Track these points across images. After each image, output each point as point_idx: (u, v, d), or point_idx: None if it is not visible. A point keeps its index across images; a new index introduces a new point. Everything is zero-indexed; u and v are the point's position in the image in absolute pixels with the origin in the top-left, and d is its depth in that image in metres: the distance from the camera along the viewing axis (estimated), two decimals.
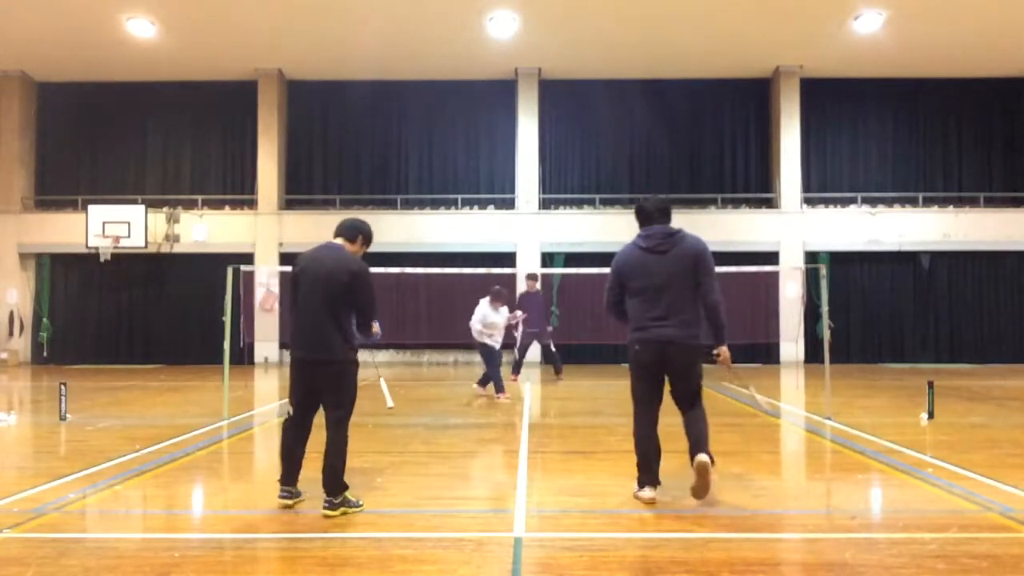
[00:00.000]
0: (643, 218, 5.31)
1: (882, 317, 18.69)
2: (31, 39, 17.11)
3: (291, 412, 5.03)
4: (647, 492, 5.11)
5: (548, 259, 18.41)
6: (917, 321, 18.68)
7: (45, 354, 18.72)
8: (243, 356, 17.65)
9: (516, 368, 13.71)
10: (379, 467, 6.30)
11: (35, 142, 19.58)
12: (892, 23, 16.32)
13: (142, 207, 18.26)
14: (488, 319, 10.91)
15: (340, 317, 4.85)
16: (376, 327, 5.20)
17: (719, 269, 12.11)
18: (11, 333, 18.80)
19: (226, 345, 9.30)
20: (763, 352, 18.14)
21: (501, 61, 18.30)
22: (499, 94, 19.27)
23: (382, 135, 19.54)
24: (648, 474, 5.16)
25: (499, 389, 10.77)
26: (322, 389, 4.92)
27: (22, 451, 7.55)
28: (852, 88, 19.09)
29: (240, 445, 7.75)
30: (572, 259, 18.03)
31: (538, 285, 14.17)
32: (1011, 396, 11.60)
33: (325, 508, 4.74)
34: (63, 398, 8.88)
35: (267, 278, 18.45)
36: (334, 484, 4.79)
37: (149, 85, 19.31)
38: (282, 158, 19.33)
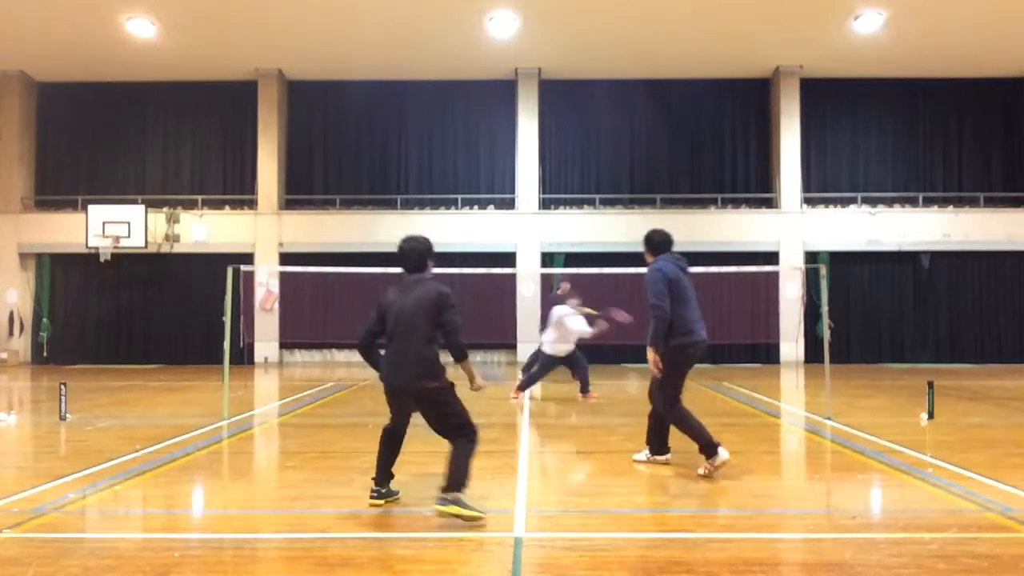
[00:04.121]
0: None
1: (882, 317, 18.69)
2: (31, 39, 17.11)
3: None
4: (723, 453, 5.76)
5: (548, 259, 18.40)
6: (917, 321, 18.68)
7: (45, 354, 18.72)
8: (243, 356, 17.67)
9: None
10: None
11: (35, 142, 19.58)
12: (892, 23, 16.32)
13: (142, 207, 18.26)
14: (567, 323, 10.44)
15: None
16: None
17: (719, 269, 12.10)
18: (11, 333, 18.80)
19: (226, 345, 9.30)
20: (763, 352, 18.15)
21: (501, 61, 18.30)
22: (499, 94, 19.27)
23: (382, 135, 19.54)
24: (714, 442, 5.79)
25: (522, 387, 10.73)
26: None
27: (22, 451, 7.55)
28: (852, 88, 19.09)
29: (240, 445, 7.75)
30: (572, 259, 18.03)
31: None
32: (1011, 396, 11.59)
33: (437, 504, 4.63)
34: (63, 398, 8.88)
35: (267, 278, 18.46)
36: (451, 480, 4.65)
37: (149, 85, 19.31)
38: (282, 158, 19.33)
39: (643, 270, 12.44)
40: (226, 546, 4.32)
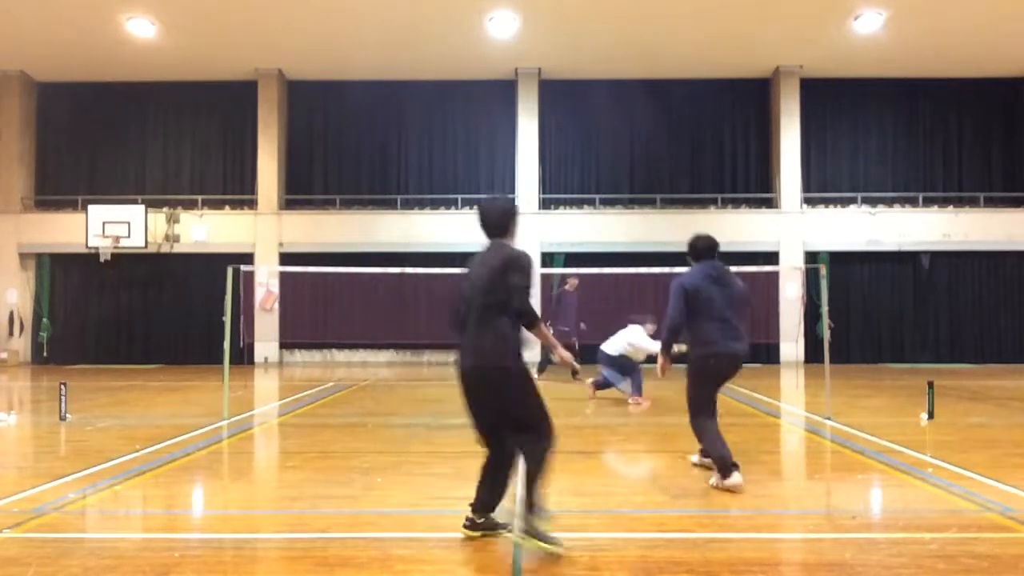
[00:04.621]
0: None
1: (882, 317, 18.69)
2: (31, 39, 17.11)
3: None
4: (736, 477, 5.52)
5: (548, 259, 18.40)
6: (917, 321, 18.68)
7: (45, 354, 18.71)
8: (243, 356, 17.67)
9: (541, 367, 13.64)
10: (379, 467, 6.29)
11: (35, 142, 19.58)
12: (892, 23, 16.32)
13: (142, 207, 18.26)
14: (640, 344, 10.45)
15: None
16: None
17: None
18: (11, 333, 18.81)
19: (226, 345, 9.30)
20: (763, 352, 18.15)
21: (501, 61, 18.30)
22: (499, 94, 19.27)
23: (382, 135, 19.54)
24: (730, 463, 5.57)
25: (600, 387, 10.76)
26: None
27: (22, 451, 7.55)
28: (852, 88, 19.09)
29: (240, 445, 7.75)
30: (572, 259, 18.03)
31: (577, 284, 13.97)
32: (1011, 396, 11.59)
33: (510, 531, 4.20)
34: (63, 398, 8.88)
35: (267, 278, 18.47)
36: (525, 505, 4.10)
37: (149, 85, 19.31)
38: (282, 158, 19.33)
39: (643, 270, 12.50)
40: (226, 546, 4.32)
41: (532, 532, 4.00)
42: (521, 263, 4.16)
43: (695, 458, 6.36)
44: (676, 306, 5.84)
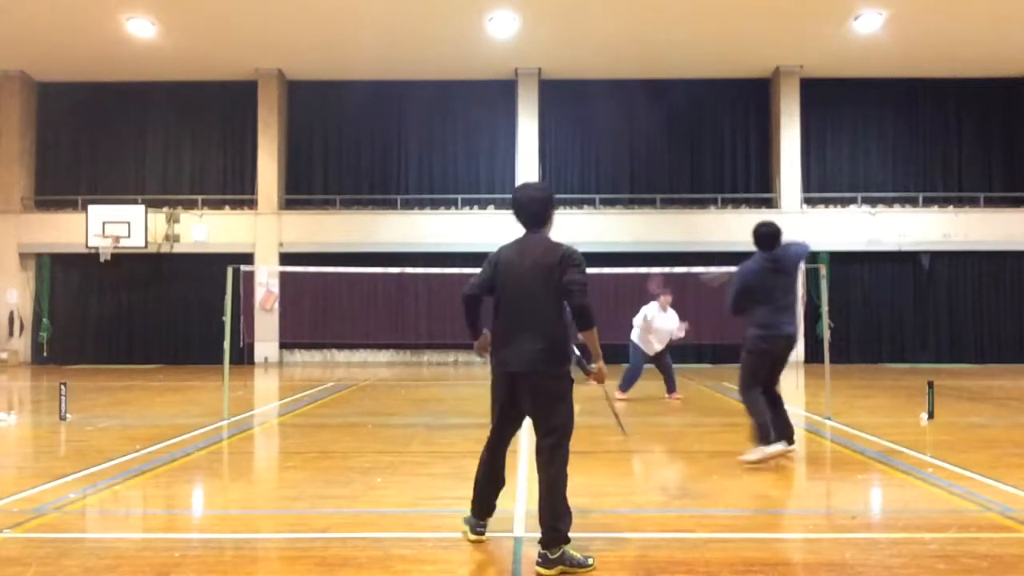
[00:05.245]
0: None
1: (882, 317, 18.69)
2: (31, 39, 17.12)
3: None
4: (777, 445, 6.14)
5: None
6: (917, 321, 18.68)
7: (45, 354, 18.72)
8: (243, 356, 17.67)
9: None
10: (379, 467, 6.29)
11: (35, 142, 19.59)
12: (892, 23, 16.32)
13: (142, 207, 18.27)
14: (656, 323, 10.46)
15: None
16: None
17: (719, 269, 12.08)
18: (11, 333, 18.81)
19: (226, 345, 9.30)
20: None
21: (501, 61, 18.30)
22: (499, 94, 19.27)
23: (382, 135, 19.54)
24: (767, 435, 6.18)
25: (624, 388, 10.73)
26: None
27: (22, 451, 7.54)
28: (852, 88, 19.10)
29: (240, 445, 7.74)
30: None
31: None
32: (1011, 396, 11.59)
33: (538, 564, 3.76)
34: (63, 398, 8.87)
35: (267, 278, 18.46)
36: (549, 533, 3.79)
37: (149, 85, 19.32)
38: (282, 158, 19.33)
39: (643, 270, 12.51)
40: (226, 546, 4.32)
41: (564, 559, 3.74)
42: (578, 259, 3.94)
43: (753, 456, 6.45)
44: (733, 295, 6.32)
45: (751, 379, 6.39)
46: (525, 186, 4.26)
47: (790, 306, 6.34)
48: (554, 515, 3.80)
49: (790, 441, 6.34)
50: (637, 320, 10.75)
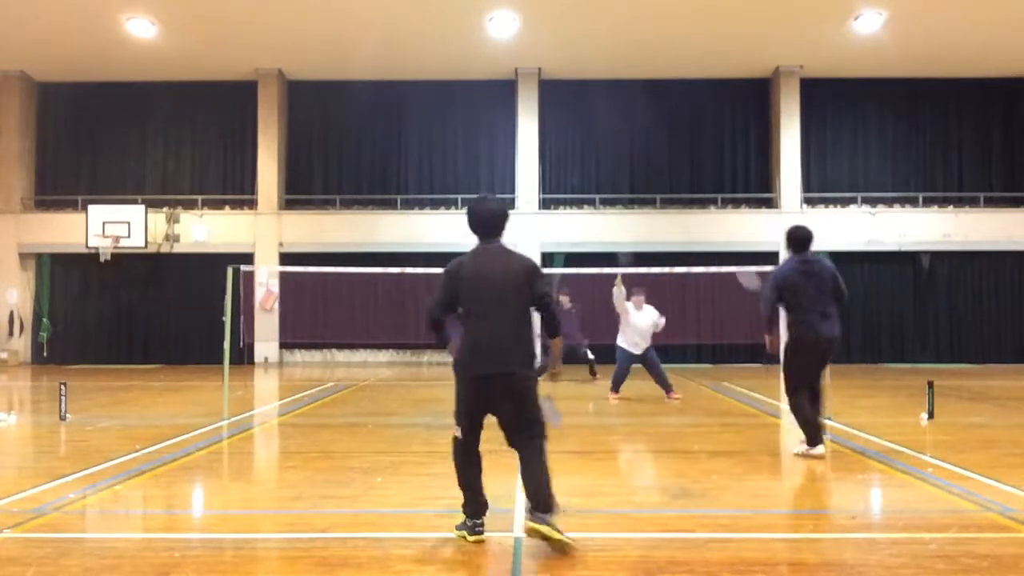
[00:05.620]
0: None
1: (882, 317, 18.68)
2: (31, 39, 17.12)
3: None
4: (821, 448, 6.48)
5: (548, 259, 18.40)
6: (917, 321, 18.68)
7: (45, 354, 18.72)
8: (243, 356, 17.68)
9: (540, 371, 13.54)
10: (379, 467, 6.29)
11: (35, 142, 19.59)
12: (892, 23, 16.32)
13: (142, 207, 18.26)
14: (632, 320, 10.61)
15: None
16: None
17: (719, 269, 12.05)
18: (11, 333, 18.80)
19: (226, 345, 9.30)
20: (763, 352, 18.13)
21: (501, 61, 18.30)
22: (499, 94, 19.27)
23: (382, 135, 19.54)
24: (818, 435, 6.52)
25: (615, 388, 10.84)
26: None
27: (22, 451, 7.54)
28: (852, 88, 19.10)
29: (240, 445, 7.75)
30: (572, 259, 18.02)
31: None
32: (1011, 396, 11.59)
33: (550, 525, 4.01)
34: (63, 398, 8.87)
35: (267, 278, 18.47)
36: (551, 501, 4.10)
37: (149, 85, 19.32)
38: (282, 158, 19.33)
39: (643, 270, 12.51)
40: (226, 546, 4.32)
41: (551, 524, 3.99)
42: (542, 272, 4.31)
43: (799, 449, 6.71)
44: (764, 297, 6.66)
45: (790, 381, 6.68)
46: (485, 199, 4.49)
47: (827, 309, 6.57)
48: (545, 485, 4.10)
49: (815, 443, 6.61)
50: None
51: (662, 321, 10.81)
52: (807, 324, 6.49)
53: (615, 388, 10.87)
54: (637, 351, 10.69)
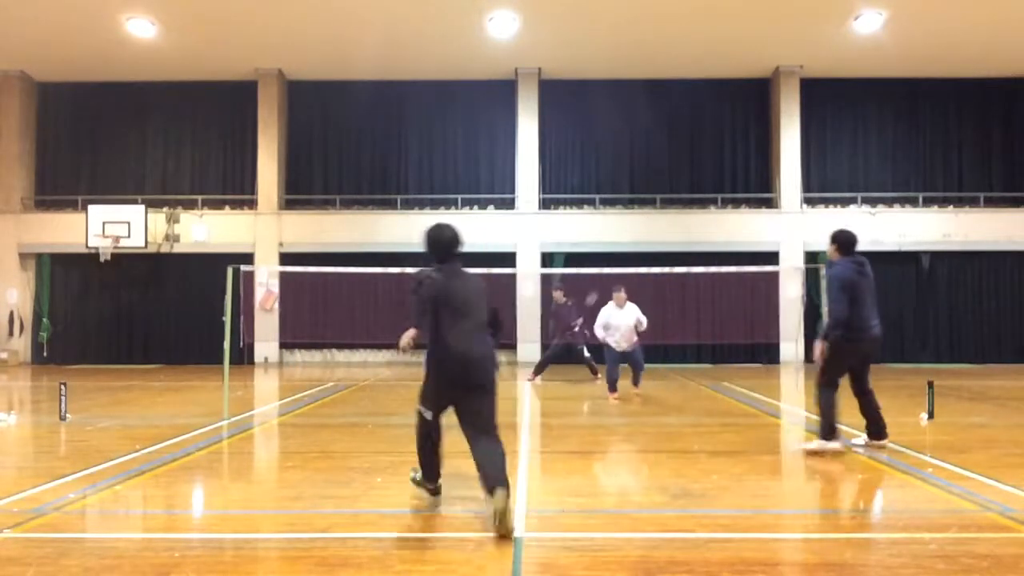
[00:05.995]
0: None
1: (882, 317, 18.63)
2: (31, 39, 17.12)
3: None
4: (837, 443, 6.68)
5: (548, 259, 18.41)
6: (917, 321, 18.67)
7: (45, 354, 18.72)
8: (243, 356, 17.68)
9: (538, 369, 13.63)
10: (379, 467, 6.29)
11: (35, 142, 19.59)
12: (892, 23, 16.32)
13: (142, 207, 18.27)
14: (612, 320, 10.75)
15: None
16: None
17: (719, 269, 12.05)
18: (11, 333, 18.81)
19: (226, 345, 9.30)
20: (763, 352, 18.15)
21: (501, 61, 18.30)
22: (499, 94, 19.27)
23: (382, 135, 19.54)
24: (836, 431, 6.75)
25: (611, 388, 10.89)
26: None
27: (22, 451, 7.54)
28: (852, 88, 19.10)
29: (240, 445, 7.75)
30: (572, 259, 18.03)
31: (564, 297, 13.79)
32: (1011, 396, 11.59)
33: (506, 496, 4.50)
34: (63, 398, 8.87)
35: (267, 278, 18.47)
36: (504, 478, 4.63)
37: (149, 85, 19.32)
38: (282, 158, 19.34)
39: (643, 270, 12.51)
40: (226, 546, 4.32)
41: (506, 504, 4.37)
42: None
43: (859, 442, 7.00)
44: (840, 299, 6.60)
45: (832, 377, 6.81)
46: (441, 226, 4.93)
47: (875, 308, 6.79)
48: (503, 466, 4.59)
49: (882, 436, 6.93)
50: (599, 324, 10.93)
51: (644, 320, 10.86)
52: (864, 322, 6.65)
53: (611, 388, 10.91)
54: (620, 349, 10.80)
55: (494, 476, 4.47)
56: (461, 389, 4.72)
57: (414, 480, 5.18)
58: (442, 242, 4.86)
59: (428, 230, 4.91)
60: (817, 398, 6.88)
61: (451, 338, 4.66)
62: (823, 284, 10.32)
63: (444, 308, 4.67)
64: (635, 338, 10.90)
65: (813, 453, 6.73)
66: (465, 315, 4.70)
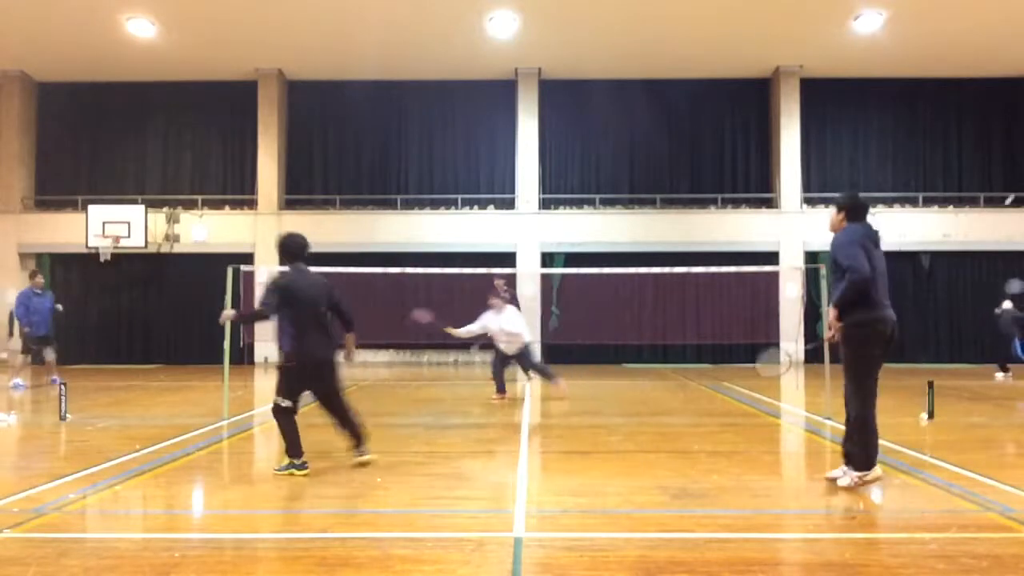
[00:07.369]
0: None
1: None
2: (31, 39, 17.12)
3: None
4: (878, 470, 5.53)
5: (548, 259, 18.40)
6: (917, 321, 18.67)
7: None
8: (243, 356, 17.64)
9: (538, 370, 13.50)
10: (379, 467, 6.29)
11: (35, 142, 19.58)
12: (892, 23, 16.33)
13: (142, 207, 18.26)
14: (491, 326, 10.65)
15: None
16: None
17: (719, 269, 12.02)
18: (11, 333, 18.77)
19: (226, 345, 9.29)
20: (763, 352, 18.12)
21: (501, 61, 18.30)
22: (499, 94, 19.27)
23: (382, 135, 19.54)
24: (872, 462, 5.49)
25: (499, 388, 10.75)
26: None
27: (22, 451, 7.54)
28: (852, 88, 19.10)
29: (240, 445, 7.75)
30: (572, 259, 18.03)
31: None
32: (1011, 396, 11.60)
33: (366, 455, 6.20)
34: (63, 398, 8.87)
35: (267, 278, 18.44)
36: (363, 436, 6.31)
37: (149, 85, 19.32)
38: (282, 158, 19.33)
39: (643, 270, 12.45)
40: (226, 546, 4.32)
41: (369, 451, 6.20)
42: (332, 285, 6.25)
43: (839, 472, 5.61)
44: (856, 256, 5.24)
45: (870, 385, 5.43)
46: (293, 235, 6.35)
47: (887, 290, 5.54)
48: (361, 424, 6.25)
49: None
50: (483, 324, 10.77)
51: (510, 328, 10.54)
52: (878, 304, 5.37)
53: (553, 383, 10.79)
54: (510, 352, 10.64)
55: (357, 437, 6.24)
56: (315, 375, 6.04)
57: (282, 470, 6.01)
58: (294, 249, 6.20)
59: (282, 238, 6.28)
60: (859, 429, 5.44)
61: (308, 331, 5.92)
62: (823, 284, 10.30)
63: (300, 305, 5.89)
64: (523, 341, 10.66)
65: (845, 487, 5.46)
66: (318, 311, 6.00)
